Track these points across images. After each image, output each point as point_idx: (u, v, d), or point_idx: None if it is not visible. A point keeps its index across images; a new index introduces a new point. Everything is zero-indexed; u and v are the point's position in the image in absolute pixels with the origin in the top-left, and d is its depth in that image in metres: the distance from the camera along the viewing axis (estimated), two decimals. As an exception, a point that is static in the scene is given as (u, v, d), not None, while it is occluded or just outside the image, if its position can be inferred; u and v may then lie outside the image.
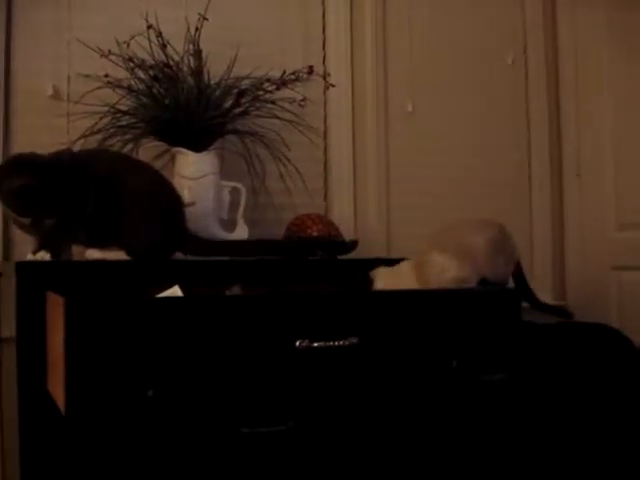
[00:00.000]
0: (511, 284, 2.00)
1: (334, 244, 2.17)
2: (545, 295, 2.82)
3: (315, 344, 1.53)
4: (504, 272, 1.95)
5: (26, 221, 1.72)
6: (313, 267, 2.01)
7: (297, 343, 1.52)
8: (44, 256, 1.75)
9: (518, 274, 2.01)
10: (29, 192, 1.64)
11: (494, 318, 1.74)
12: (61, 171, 1.73)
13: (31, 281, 1.61)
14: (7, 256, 2.12)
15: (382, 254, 2.55)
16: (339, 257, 2.16)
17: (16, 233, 2.07)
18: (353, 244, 2.23)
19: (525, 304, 2.02)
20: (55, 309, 1.43)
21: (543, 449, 2.17)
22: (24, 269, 1.63)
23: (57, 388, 1.41)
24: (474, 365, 1.71)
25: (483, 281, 1.90)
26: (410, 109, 2.69)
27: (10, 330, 1.74)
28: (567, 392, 2.23)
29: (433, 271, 1.88)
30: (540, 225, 2.89)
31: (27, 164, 1.68)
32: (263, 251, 1.99)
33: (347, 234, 2.34)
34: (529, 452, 1.98)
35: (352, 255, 2.22)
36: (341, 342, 1.56)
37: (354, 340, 1.57)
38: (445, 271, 1.86)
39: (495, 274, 1.92)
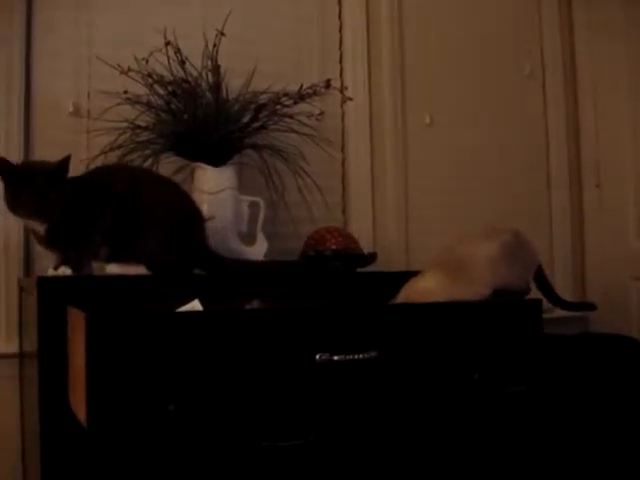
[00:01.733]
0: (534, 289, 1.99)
1: (353, 257, 2.17)
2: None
3: (335, 357, 1.53)
4: (522, 279, 1.92)
5: (41, 230, 1.73)
6: (332, 280, 2.00)
7: (317, 356, 1.52)
8: (65, 271, 1.75)
9: (540, 277, 1.98)
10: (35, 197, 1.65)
11: (515, 330, 1.73)
12: (80, 186, 1.75)
13: (52, 296, 1.61)
14: (28, 272, 2.13)
15: (401, 267, 2.54)
16: (358, 270, 2.16)
17: (37, 249, 2.08)
18: (372, 257, 2.23)
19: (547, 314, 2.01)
20: (76, 324, 1.44)
21: (565, 461, 2.15)
22: (45, 284, 1.64)
23: (79, 403, 1.42)
24: (496, 378, 1.70)
25: (499, 292, 1.87)
26: (428, 121, 2.69)
27: (31, 345, 1.75)
28: (588, 403, 2.22)
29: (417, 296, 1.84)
30: (560, 236, 2.88)
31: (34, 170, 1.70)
32: (282, 272, 1.99)
33: (366, 247, 2.34)
34: (551, 465, 1.96)
35: (371, 268, 2.22)
36: (361, 355, 1.55)
37: (374, 353, 1.56)
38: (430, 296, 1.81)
39: (512, 282, 1.89)
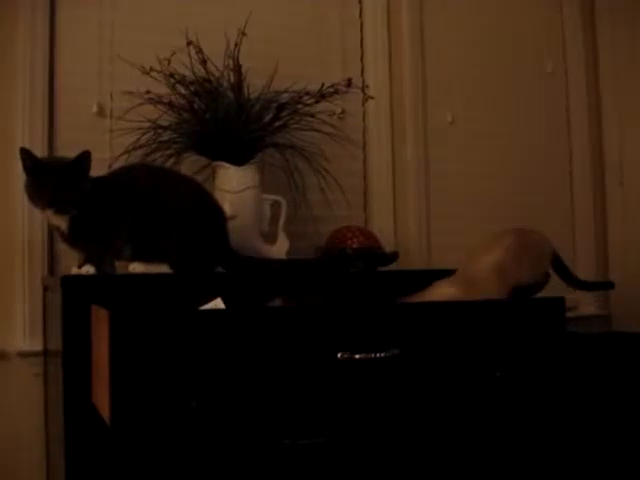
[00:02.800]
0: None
1: (375, 256, 2.16)
2: (589, 306, 2.79)
3: (357, 356, 1.53)
4: (537, 272, 1.93)
5: (63, 227, 1.75)
6: (354, 279, 2.01)
7: (339, 355, 1.52)
8: (89, 270, 1.77)
9: (557, 262, 1.98)
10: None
11: (538, 328, 1.72)
12: (103, 186, 1.77)
13: (76, 295, 1.63)
14: (52, 270, 2.15)
15: (423, 265, 2.54)
16: (380, 269, 2.16)
17: (60, 248, 2.10)
18: (394, 256, 2.22)
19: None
20: (100, 322, 1.45)
21: (587, 459, 2.14)
22: (69, 283, 1.66)
23: (102, 400, 1.43)
24: (518, 376, 1.69)
25: (517, 289, 1.87)
26: (449, 120, 2.68)
27: (55, 343, 1.77)
28: (611, 403, 2.20)
29: None
30: (583, 234, 2.87)
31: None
32: (303, 270, 2.00)
33: (387, 246, 2.34)
34: (572, 461, 1.95)
35: (393, 267, 2.22)
36: (382, 354, 1.55)
37: (395, 352, 1.56)
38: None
39: (527, 279, 1.89)
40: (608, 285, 2.18)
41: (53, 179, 1.69)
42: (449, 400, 1.64)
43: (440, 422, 1.64)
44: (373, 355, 1.54)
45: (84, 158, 1.72)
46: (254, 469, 1.47)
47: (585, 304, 2.79)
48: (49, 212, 1.73)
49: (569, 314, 1.87)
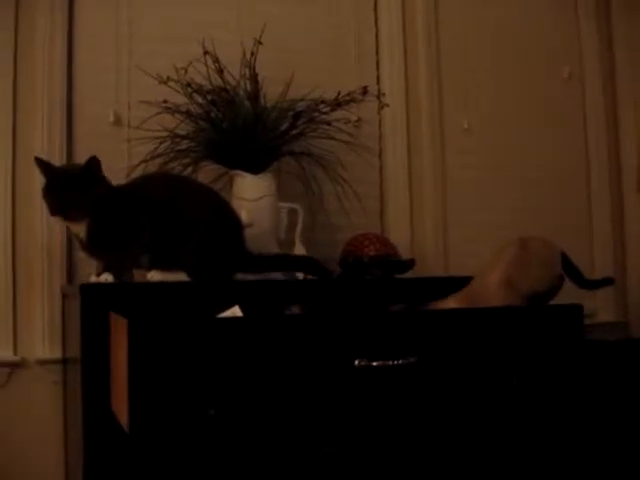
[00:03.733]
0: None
1: (391, 263, 2.17)
2: (607, 313, 2.78)
3: (374, 363, 1.53)
4: (547, 277, 1.90)
5: (81, 234, 1.76)
6: (371, 286, 2.01)
7: (356, 362, 1.52)
8: (107, 278, 1.78)
9: (565, 263, 1.97)
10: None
11: (555, 335, 1.72)
12: (121, 195, 1.78)
13: (95, 303, 1.64)
14: (71, 279, 2.17)
15: (440, 272, 2.54)
16: (397, 276, 2.16)
17: (79, 257, 2.12)
18: (410, 263, 2.22)
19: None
20: (119, 330, 1.46)
21: (607, 467, 2.13)
22: (88, 291, 1.67)
23: (121, 407, 1.44)
24: (535, 383, 1.68)
25: (534, 297, 1.87)
26: (466, 126, 2.68)
27: (74, 351, 1.78)
28: (630, 409, 2.19)
29: None
30: (600, 241, 2.85)
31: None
32: (318, 266, 2.01)
33: (404, 253, 2.34)
34: (593, 471, 1.94)
35: (410, 274, 2.22)
36: (400, 361, 1.55)
37: (413, 359, 1.56)
38: None
39: (538, 286, 1.87)
40: (607, 282, 2.15)
41: (61, 187, 1.71)
42: (466, 407, 1.63)
43: (457, 429, 1.63)
44: (390, 362, 1.54)
45: (91, 165, 1.73)
46: (271, 477, 1.48)
47: (603, 311, 2.77)
48: (60, 219, 1.75)
49: (587, 321, 1.85)
